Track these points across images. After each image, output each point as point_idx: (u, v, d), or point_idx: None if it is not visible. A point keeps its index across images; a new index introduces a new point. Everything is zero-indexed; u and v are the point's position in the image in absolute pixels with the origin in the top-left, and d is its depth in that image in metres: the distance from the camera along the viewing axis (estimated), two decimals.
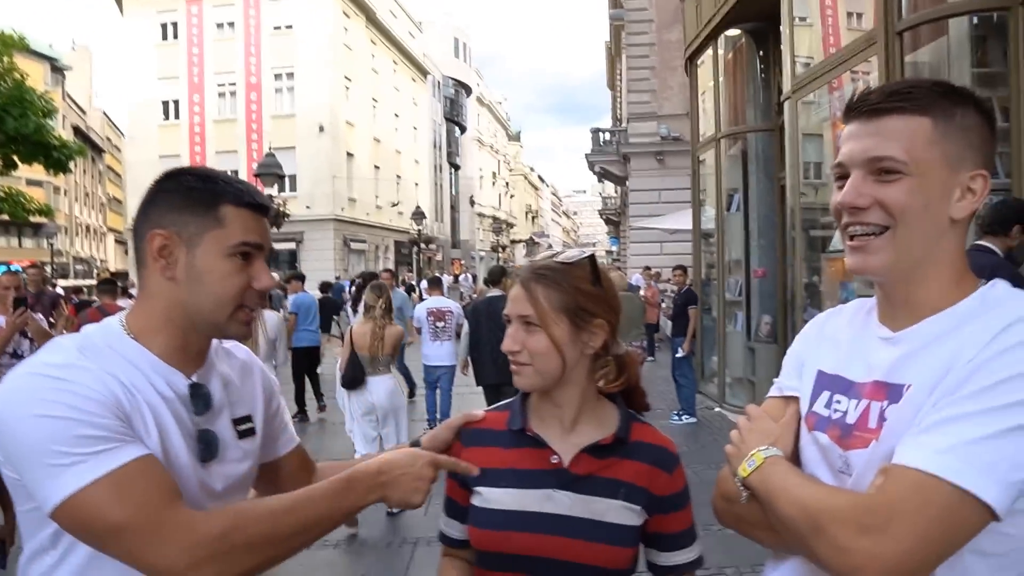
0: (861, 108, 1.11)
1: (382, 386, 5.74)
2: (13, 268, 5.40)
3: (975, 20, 5.43)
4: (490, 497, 1.39)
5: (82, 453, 1.06)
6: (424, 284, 9.20)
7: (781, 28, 7.76)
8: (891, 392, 1.09)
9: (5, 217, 17.74)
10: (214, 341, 1.37)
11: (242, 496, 1.40)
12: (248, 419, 1.40)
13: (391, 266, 35.57)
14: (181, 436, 1.23)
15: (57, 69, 44.43)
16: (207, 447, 1.28)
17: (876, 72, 5.71)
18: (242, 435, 1.38)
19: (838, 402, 1.17)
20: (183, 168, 1.34)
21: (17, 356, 5.14)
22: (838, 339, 1.24)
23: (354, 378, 5.70)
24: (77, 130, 45.00)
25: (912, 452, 0.97)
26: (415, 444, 1.46)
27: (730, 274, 9.99)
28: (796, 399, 1.26)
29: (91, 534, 1.09)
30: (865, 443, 1.09)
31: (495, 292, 7.06)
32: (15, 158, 13.56)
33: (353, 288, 13.17)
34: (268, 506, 1.19)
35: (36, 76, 14.45)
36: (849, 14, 6.95)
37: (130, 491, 1.07)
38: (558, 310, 1.35)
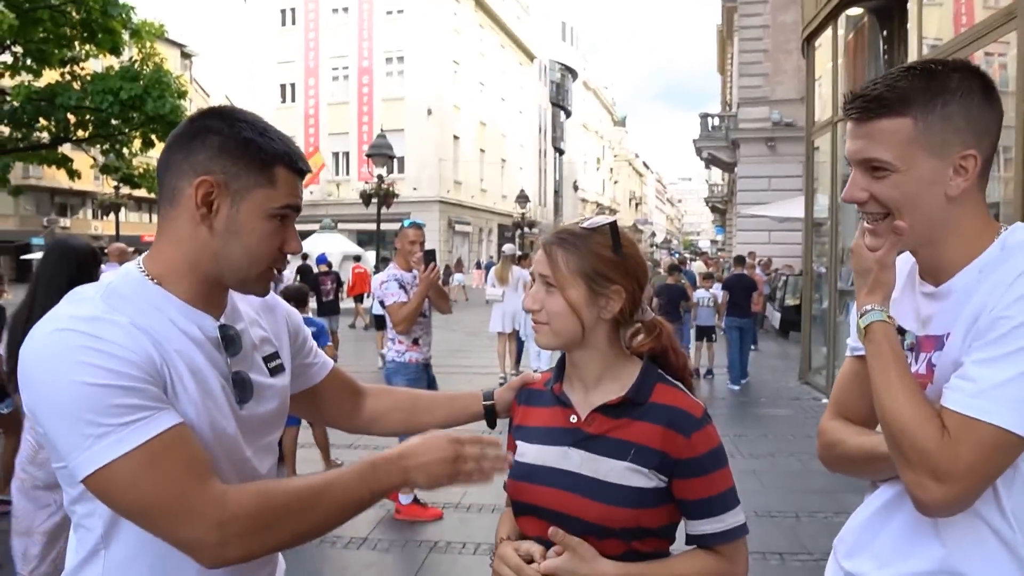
0: (852, 115, 1.25)
1: None
2: (419, 221, 5.19)
3: None
4: (523, 451, 1.48)
5: (114, 424, 1.03)
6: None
7: (908, 5, 7.41)
8: (937, 342, 1.26)
9: (141, 192, 19.03)
10: None
11: (275, 434, 1.41)
12: (276, 355, 1.41)
13: (493, 250, 36.04)
14: (217, 379, 1.22)
15: (186, 55, 47.04)
16: (243, 389, 1.27)
17: (1015, 50, 5.40)
18: (273, 372, 1.38)
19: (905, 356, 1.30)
20: (235, 111, 1.27)
21: (422, 315, 4.87)
22: (893, 297, 1.33)
23: None
24: None
25: (954, 395, 1.14)
26: (488, 397, 1.65)
27: (843, 264, 9.66)
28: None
29: (121, 507, 1.09)
30: (922, 387, 1.23)
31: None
32: (153, 138, 14.52)
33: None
34: (295, 487, 1.18)
35: (168, 61, 15.49)
36: None
37: (161, 466, 1.05)
38: (575, 273, 1.39)
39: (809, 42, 10.69)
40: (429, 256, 4.75)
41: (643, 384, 1.42)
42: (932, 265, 1.28)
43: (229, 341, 1.26)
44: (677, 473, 1.37)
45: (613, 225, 1.44)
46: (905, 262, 1.37)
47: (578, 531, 1.35)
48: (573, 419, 1.44)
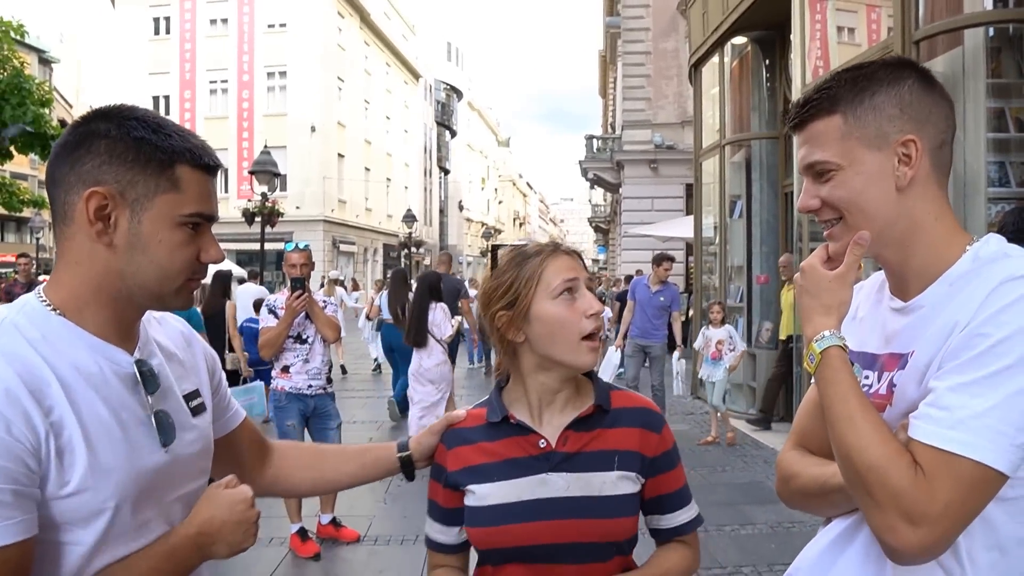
0: (790, 124, 1.25)
1: None
2: (302, 245, 4.81)
3: (991, 32, 5.48)
4: (483, 493, 1.35)
5: None
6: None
7: (791, 36, 7.81)
8: (900, 360, 1.17)
9: None
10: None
11: (201, 481, 1.26)
12: (197, 394, 1.27)
13: (379, 270, 35.52)
14: (134, 425, 1.08)
15: (45, 61, 43.95)
16: (166, 429, 1.13)
17: None
18: (195, 412, 1.24)
19: (867, 377, 1.23)
20: (123, 109, 1.12)
21: (302, 340, 4.74)
22: (857, 316, 1.30)
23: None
24: (64, 123, 44.57)
25: (926, 427, 1.03)
26: (403, 448, 1.49)
27: (731, 281, 10.03)
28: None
29: None
30: (881, 408, 1.15)
31: None
32: (12, 148, 13.37)
33: None
34: None
35: (28, 66, 14.33)
36: (862, 23, 7.01)
37: None
38: None
39: (696, 68, 11.12)
40: (296, 283, 4.66)
41: (602, 392, 1.41)
42: (900, 276, 1.21)
43: (147, 378, 1.12)
44: (654, 470, 1.37)
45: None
46: (873, 281, 1.33)
47: (579, 558, 1.30)
48: (543, 444, 1.35)
